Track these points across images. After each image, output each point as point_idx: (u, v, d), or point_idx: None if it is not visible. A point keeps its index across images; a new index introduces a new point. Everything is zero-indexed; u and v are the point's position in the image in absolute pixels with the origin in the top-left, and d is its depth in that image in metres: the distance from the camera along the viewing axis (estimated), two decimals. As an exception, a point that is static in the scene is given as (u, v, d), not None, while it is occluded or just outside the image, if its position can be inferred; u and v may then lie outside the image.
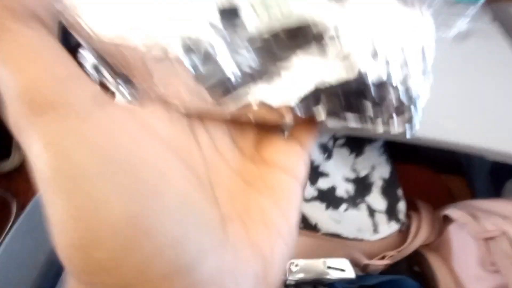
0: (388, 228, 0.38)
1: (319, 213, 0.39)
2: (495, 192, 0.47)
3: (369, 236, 0.38)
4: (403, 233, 0.39)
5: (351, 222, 0.38)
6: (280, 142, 0.13)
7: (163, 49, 0.10)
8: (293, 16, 0.10)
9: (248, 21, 0.10)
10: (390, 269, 0.38)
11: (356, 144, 0.43)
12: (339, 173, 0.41)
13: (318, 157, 0.41)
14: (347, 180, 0.41)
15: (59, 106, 0.07)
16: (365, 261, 0.36)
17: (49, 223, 0.08)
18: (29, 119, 0.07)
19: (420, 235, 0.37)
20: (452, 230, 0.37)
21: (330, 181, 0.40)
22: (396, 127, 0.12)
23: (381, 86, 0.11)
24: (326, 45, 0.11)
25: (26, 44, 0.08)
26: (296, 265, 0.32)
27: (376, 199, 0.40)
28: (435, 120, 0.30)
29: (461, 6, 0.38)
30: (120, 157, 0.08)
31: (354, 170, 0.42)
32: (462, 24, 0.40)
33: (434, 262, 0.37)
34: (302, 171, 0.13)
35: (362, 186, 0.41)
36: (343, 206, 0.39)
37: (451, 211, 0.36)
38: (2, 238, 0.74)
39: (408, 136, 0.12)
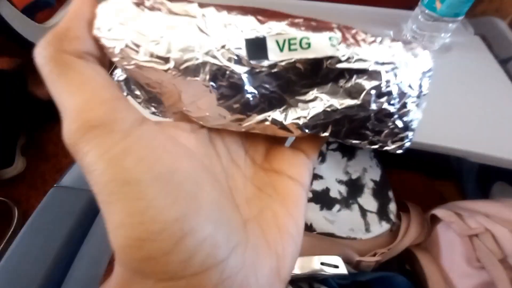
0: (380, 227, 0.40)
1: (314, 214, 0.41)
2: (484, 194, 0.49)
3: (361, 235, 0.39)
4: (394, 233, 0.41)
5: (344, 222, 0.40)
6: (288, 152, 0.15)
7: (192, 73, 0.11)
8: (311, 50, 0.11)
9: (270, 51, 0.11)
10: (381, 267, 0.39)
11: (348, 148, 0.45)
12: (332, 175, 0.43)
13: (313, 160, 0.43)
14: (340, 182, 0.43)
15: (108, 123, 0.09)
16: (357, 258, 0.37)
17: (106, 219, 0.09)
18: (84, 135, 0.09)
19: (410, 234, 0.39)
20: (440, 229, 0.39)
21: (324, 183, 0.43)
22: (390, 148, 0.14)
23: (381, 114, 0.13)
24: (340, 83, 0.12)
25: (82, 75, 0.09)
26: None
27: (368, 200, 0.42)
28: (422, 126, 0.33)
29: (443, 21, 0.41)
30: (161, 166, 0.09)
31: (346, 172, 0.44)
32: (444, 37, 0.44)
33: (424, 260, 0.38)
34: (307, 178, 0.14)
35: (354, 187, 0.43)
36: (337, 206, 0.41)
37: (438, 211, 0.38)
38: (3, 243, 0.75)
39: (399, 151, 0.14)
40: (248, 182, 0.14)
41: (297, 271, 0.34)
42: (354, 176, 0.44)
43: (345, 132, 0.13)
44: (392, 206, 0.42)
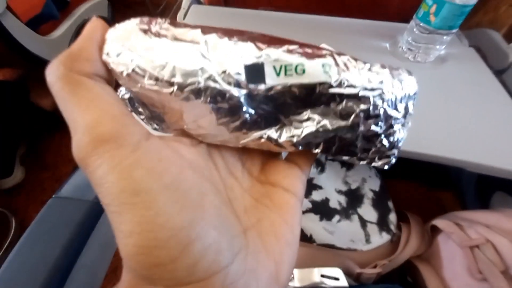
0: (380, 238, 0.40)
1: (313, 225, 0.41)
2: (483, 205, 0.49)
3: (361, 246, 0.39)
4: (395, 244, 0.40)
5: (344, 233, 0.40)
6: (283, 166, 0.16)
7: (194, 96, 0.11)
8: (305, 75, 0.12)
9: (268, 76, 0.12)
10: (383, 279, 0.39)
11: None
12: (331, 185, 0.43)
13: (312, 170, 0.44)
14: (340, 192, 0.43)
15: (119, 137, 0.09)
16: (358, 269, 0.37)
17: (116, 229, 0.09)
18: (96, 149, 0.09)
19: (410, 245, 0.38)
20: (441, 241, 0.39)
21: (324, 193, 0.42)
22: (378, 164, 0.15)
23: (369, 134, 0.14)
24: (331, 105, 0.13)
25: (92, 92, 0.10)
26: (292, 274, 0.34)
27: (368, 211, 0.42)
28: (419, 136, 0.33)
29: (438, 33, 0.42)
30: (168, 176, 0.10)
31: (346, 182, 0.44)
32: (440, 49, 0.45)
33: (426, 272, 0.38)
34: (301, 190, 0.15)
35: (353, 198, 0.42)
36: (336, 217, 0.41)
37: (438, 221, 0.38)
38: (0, 254, 0.74)
39: (386, 167, 0.15)
40: (245, 193, 0.15)
41: (297, 283, 0.33)
42: (353, 186, 0.44)
43: (335, 149, 0.14)
44: (392, 217, 0.42)
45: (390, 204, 0.44)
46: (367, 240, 0.40)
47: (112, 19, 1.18)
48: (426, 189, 0.62)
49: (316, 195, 0.43)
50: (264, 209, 0.14)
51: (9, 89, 0.93)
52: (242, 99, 0.12)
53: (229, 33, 0.12)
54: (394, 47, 0.47)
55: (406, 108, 0.14)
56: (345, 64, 0.13)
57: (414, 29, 0.44)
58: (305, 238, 0.40)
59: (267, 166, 0.16)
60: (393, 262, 0.38)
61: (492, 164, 0.32)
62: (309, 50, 0.12)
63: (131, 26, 0.12)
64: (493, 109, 0.38)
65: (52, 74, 0.10)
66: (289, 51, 0.12)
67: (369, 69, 0.13)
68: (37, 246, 0.32)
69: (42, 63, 0.90)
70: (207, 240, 0.10)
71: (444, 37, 0.43)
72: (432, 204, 0.59)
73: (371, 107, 0.13)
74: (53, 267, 0.30)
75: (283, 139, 0.14)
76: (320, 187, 0.43)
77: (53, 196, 0.36)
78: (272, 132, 0.14)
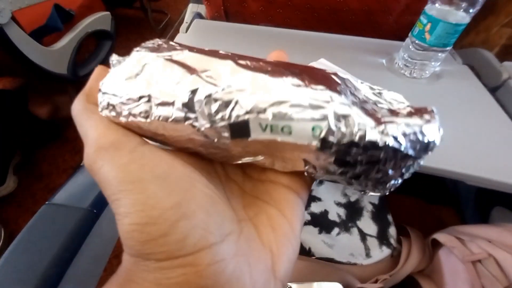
0: (380, 252, 0.39)
1: (312, 238, 0.40)
2: (483, 220, 0.48)
3: (361, 260, 0.38)
4: (395, 258, 0.40)
5: (343, 246, 0.39)
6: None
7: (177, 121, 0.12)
8: (292, 136, 0.11)
9: (253, 131, 0.11)
10: (384, 295, 0.37)
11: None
12: (331, 197, 0.43)
13: (311, 182, 0.43)
14: (339, 204, 0.42)
15: (117, 144, 0.12)
16: (358, 285, 0.36)
17: (116, 214, 0.11)
18: (98, 155, 0.12)
19: (411, 259, 0.37)
20: (442, 255, 0.38)
21: (323, 206, 0.42)
22: (374, 194, 0.14)
23: (368, 166, 0.12)
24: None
25: (100, 117, 0.13)
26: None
27: (367, 224, 0.41)
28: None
29: (432, 50, 0.44)
30: (159, 169, 0.11)
31: (345, 195, 0.43)
32: (435, 66, 0.46)
33: (428, 288, 0.37)
34: (304, 189, 0.15)
35: (353, 210, 0.42)
36: (336, 230, 0.40)
37: (439, 235, 0.37)
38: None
39: (384, 194, 0.14)
40: (245, 193, 0.15)
41: (295, 298, 0.32)
42: (352, 199, 0.43)
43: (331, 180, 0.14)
44: (392, 230, 0.42)
45: (390, 217, 0.43)
46: (367, 254, 0.39)
47: (115, 32, 1.21)
48: (424, 204, 0.61)
49: (315, 207, 0.42)
50: (262, 204, 0.14)
51: (9, 98, 0.93)
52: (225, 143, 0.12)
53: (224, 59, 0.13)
54: (390, 63, 0.48)
55: (413, 159, 0.12)
56: (345, 117, 0.11)
57: (410, 46, 0.46)
58: (304, 252, 0.39)
59: (267, 169, 0.16)
60: (394, 277, 0.37)
61: (489, 177, 0.32)
62: (313, 84, 0.12)
63: (121, 70, 0.14)
64: (488, 124, 0.39)
65: (74, 106, 0.14)
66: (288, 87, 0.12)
67: (377, 117, 0.11)
68: (26, 255, 0.30)
69: (43, 73, 0.91)
70: (194, 219, 0.11)
71: (439, 54, 0.44)
72: (432, 219, 0.58)
73: (364, 169, 0.12)
74: (41, 277, 0.29)
75: (276, 167, 0.14)
76: (319, 199, 0.42)
77: (46, 202, 0.35)
78: (264, 160, 0.14)
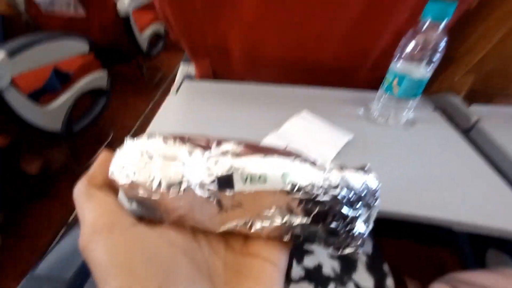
0: (379, 308, 0.37)
1: (308, 295, 0.38)
2: (479, 261, 0.47)
3: (361, 318, 0.36)
4: (395, 314, 0.38)
5: (341, 303, 0.37)
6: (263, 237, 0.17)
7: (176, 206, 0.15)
8: (267, 184, 0.14)
9: (236, 182, 0.14)
10: None
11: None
12: (323, 250, 0.42)
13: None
14: (332, 257, 0.41)
15: (110, 226, 0.13)
16: None
17: None
18: (91, 238, 0.13)
19: (412, 314, 0.36)
20: (443, 307, 0.36)
21: (316, 259, 0.41)
22: (346, 252, 0.16)
23: (330, 231, 0.15)
24: (292, 205, 0.15)
25: (98, 199, 0.15)
26: None
27: (363, 277, 0.40)
28: (397, 196, 0.34)
29: (404, 99, 0.47)
30: (146, 252, 0.13)
31: (337, 246, 0.42)
32: (408, 114, 0.49)
33: None
34: (280, 258, 0.16)
35: (347, 262, 0.41)
36: (331, 285, 0.39)
37: (436, 286, 0.36)
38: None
39: (357, 248, 0.16)
40: (226, 268, 0.16)
41: None
42: (345, 250, 0.42)
43: (303, 239, 0.16)
44: (390, 282, 0.40)
45: (386, 267, 0.42)
46: (366, 311, 0.37)
47: (110, 89, 1.27)
48: (420, 246, 0.60)
49: (308, 261, 0.41)
50: (243, 279, 0.15)
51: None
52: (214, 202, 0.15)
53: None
54: (367, 113, 0.52)
55: (367, 205, 0.15)
56: (305, 169, 0.15)
57: (382, 99, 0.50)
58: (300, 312, 0.37)
59: (249, 239, 0.17)
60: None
61: (471, 221, 0.33)
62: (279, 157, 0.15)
63: (127, 154, 0.16)
64: (461, 167, 0.40)
65: (76, 189, 0.15)
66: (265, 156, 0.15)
67: (327, 172, 0.15)
68: None
69: (36, 130, 0.93)
70: None
71: (410, 103, 0.48)
72: (429, 262, 0.56)
73: (327, 208, 0.14)
74: None
75: (253, 230, 0.16)
76: (311, 252, 0.41)
77: (28, 273, 0.34)
78: (243, 223, 0.16)
